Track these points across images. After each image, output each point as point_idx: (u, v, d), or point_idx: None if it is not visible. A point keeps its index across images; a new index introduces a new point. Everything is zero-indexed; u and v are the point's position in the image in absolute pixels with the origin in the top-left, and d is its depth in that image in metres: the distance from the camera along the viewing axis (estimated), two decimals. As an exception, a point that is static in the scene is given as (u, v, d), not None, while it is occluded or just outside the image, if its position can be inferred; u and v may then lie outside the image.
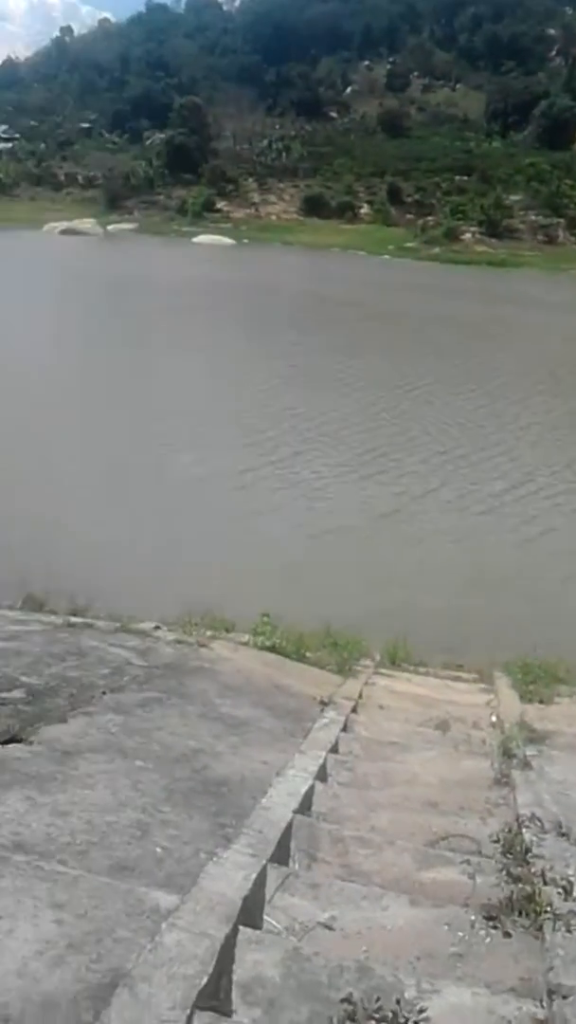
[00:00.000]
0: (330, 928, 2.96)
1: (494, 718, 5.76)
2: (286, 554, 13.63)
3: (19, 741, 3.95)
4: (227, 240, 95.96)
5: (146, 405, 22.84)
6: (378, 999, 2.48)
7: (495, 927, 2.95)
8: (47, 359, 28.46)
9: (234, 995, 2.50)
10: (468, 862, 3.44)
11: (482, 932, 2.94)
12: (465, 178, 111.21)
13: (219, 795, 3.81)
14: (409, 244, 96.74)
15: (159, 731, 4.49)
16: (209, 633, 7.31)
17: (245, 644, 7.08)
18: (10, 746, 3.88)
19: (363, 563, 13.55)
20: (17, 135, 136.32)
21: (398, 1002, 2.48)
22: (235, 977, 2.55)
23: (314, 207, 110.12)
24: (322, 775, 4.33)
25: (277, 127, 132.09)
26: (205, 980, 2.36)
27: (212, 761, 4.21)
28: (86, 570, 11.35)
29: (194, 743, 4.42)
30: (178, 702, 5.09)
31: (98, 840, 3.15)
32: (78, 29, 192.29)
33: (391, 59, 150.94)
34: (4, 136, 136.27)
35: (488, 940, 2.90)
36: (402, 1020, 2.43)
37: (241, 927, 2.70)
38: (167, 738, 4.41)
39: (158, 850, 3.17)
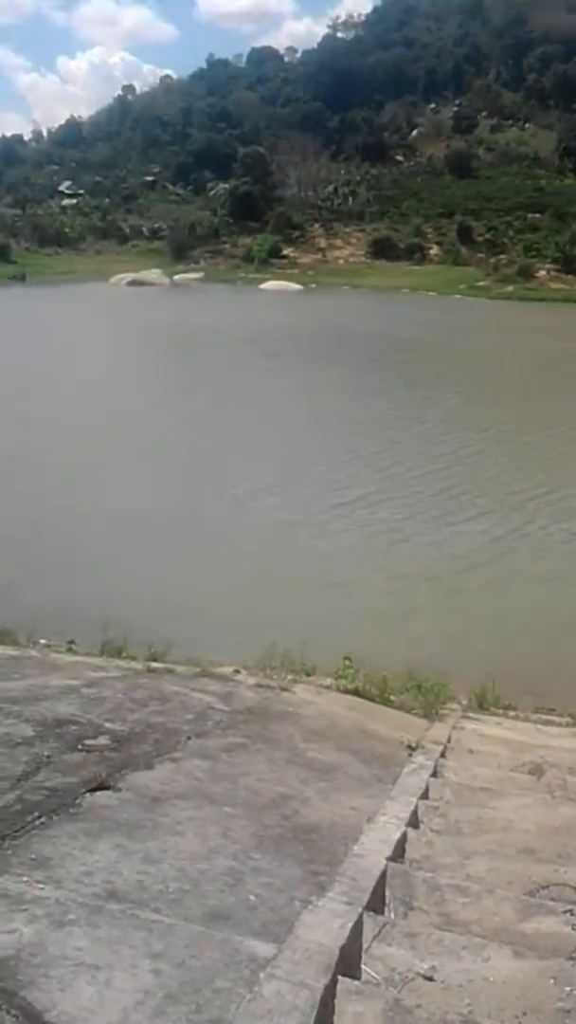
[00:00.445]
0: (431, 979, 2.88)
1: (588, 762, 5.61)
2: (365, 597, 13.53)
3: (107, 788, 3.95)
4: (294, 285, 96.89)
5: (221, 450, 23.00)
6: (485, 1055, 2.40)
7: (604, 980, 2.84)
8: (122, 407, 28.87)
9: (336, 1048, 2.44)
10: (572, 912, 3.33)
11: (590, 986, 2.83)
12: (537, 216, 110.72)
13: (310, 842, 3.76)
14: (481, 283, 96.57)
15: (246, 777, 4.46)
16: (290, 677, 7.28)
17: (327, 688, 7.03)
18: (98, 793, 3.88)
19: (444, 604, 13.39)
20: (81, 191, 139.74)
21: (507, 1058, 2.40)
22: (336, 1030, 2.49)
23: (382, 250, 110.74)
24: (414, 821, 4.25)
25: (342, 172, 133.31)
26: (307, 1033, 2.31)
27: (301, 807, 4.16)
28: (163, 616, 11.41)
29: (282, 789, 4.38)
30: (263, 747, 5.06)
31: (191, 888, 3.12)
32: (140, 87, 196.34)
33: (457, 101, 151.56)
34: (69, 192, 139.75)
35: (597, 995, 2.79)
36: (512, 1077, 2.35)
37: (340, 977, 2.65)
38: (254, 784, 4.37)
39: (252, 898, 3.13)
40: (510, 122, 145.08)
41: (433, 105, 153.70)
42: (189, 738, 4.94)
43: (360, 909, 3.10)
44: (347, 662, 7.67)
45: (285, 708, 6.12)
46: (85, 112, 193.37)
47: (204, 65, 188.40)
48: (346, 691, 6.93)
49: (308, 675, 7.57)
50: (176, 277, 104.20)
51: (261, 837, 3.71)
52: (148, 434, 24.77)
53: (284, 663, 7.68)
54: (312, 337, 49.76)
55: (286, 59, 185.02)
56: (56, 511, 17.01)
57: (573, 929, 3.23)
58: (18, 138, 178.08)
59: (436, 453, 23.45)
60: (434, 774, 5.17)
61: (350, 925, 2.94)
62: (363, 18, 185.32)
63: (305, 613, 12.28)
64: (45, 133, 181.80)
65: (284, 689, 6.69)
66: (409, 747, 5.68)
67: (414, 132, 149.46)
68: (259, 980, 2.52)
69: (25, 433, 23.79)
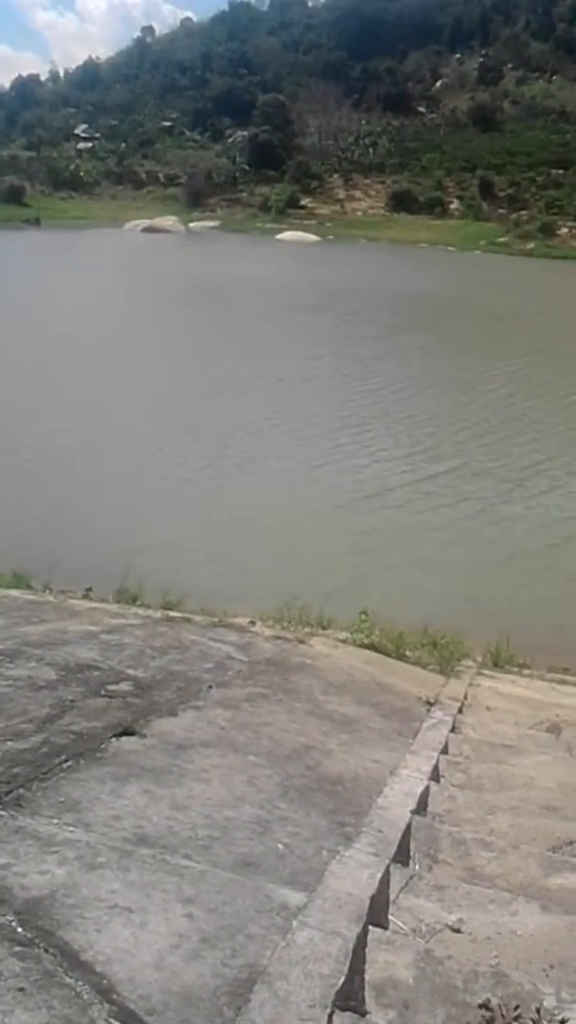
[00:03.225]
0: (458, 931, 2.89)
1: (607, 722, 5.61)
2: (382, 552, 13.52)
3: (132, 734, 3.96)
4: (312, 236, 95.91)
5: (235, 403, 22.89)
6: (517, 1007, 2.41)
7: (631, 937, 2.85)
8: (146, 358, 28.74)
9: (367, 995, 2.45)
10: (596, 869, 3.35)
11: (618, 942, 2.84)
12: (561, 172, 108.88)
13: (334, 793, 3.77)
14: (501, 239, 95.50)
15: (268, 727, 4.46)
16: (306, 630, 7.29)
17: (343, 642, 7.03)
18: (123, 739, 3.89)
19: (460, 561, 13.38)
20: (98, 134, 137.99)
21: (538, 1011, 2.41)
22: (367, 977, 2.50)
23: (402, 203, 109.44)
24: (435, 776, 4.26)
25: (364, 123, 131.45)
26: (342, 980, 2.32)
27: (324, 758, 4.16)
28: (177, 565, 11.44)
29: (304, 740, 4.38)
30: (284, 698, 5.06)
31: (220, 835, 3.13)
32: (159, 28, 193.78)
33: (483, 52, 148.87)
34: (85, 135, 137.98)
35: (625, 951, 2.80)
36: (543, 1029, 2.36)
37: (370, 927, 2.66)
38: (277, 734, 4.38)
39: (280, 847, 3.14)
40: (537, 74, 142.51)
41: (458, 56, 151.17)
42: (210, 687, 4.95)
43: (387, 861, 3.12)
44: (363, 616, 7.66)
45: (303, 660, 6.13)
46: (103, 53, 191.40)
47: (226, 7, 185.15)
48: (363, 645, 6.93)
49: (324, 628, 7.58)
50: (192, 225, 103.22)
51: (286, 787, 3.72)
52: (165, 389, 24.58)
53: (301, 616, 7.70)
54: (332, 297, 49.09)
55: (310, 4, 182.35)
56: (71, 460, 17.02)
57: (598, 886, 3.24)
58: (35, 78, 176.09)
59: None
60: (453, 729, 5.18)
61: (378, 876, 2.95)
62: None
63: (321, 567, 12.29)
64: (62, 74, 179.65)
65: (301, 641, 6.70)
66: (427, 702, 5.69)
67: (438, 83, 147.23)
68: (292, 928, 2.53)
69: (31, 383, 23.65)
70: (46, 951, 2.25)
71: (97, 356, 27.96)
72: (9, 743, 3.56)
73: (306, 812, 3.50)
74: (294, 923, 2.56)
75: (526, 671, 7.57)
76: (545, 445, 20.18)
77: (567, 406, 24.19)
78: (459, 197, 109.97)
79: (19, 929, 2.33)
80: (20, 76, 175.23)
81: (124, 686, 4.67)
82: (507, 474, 17.84)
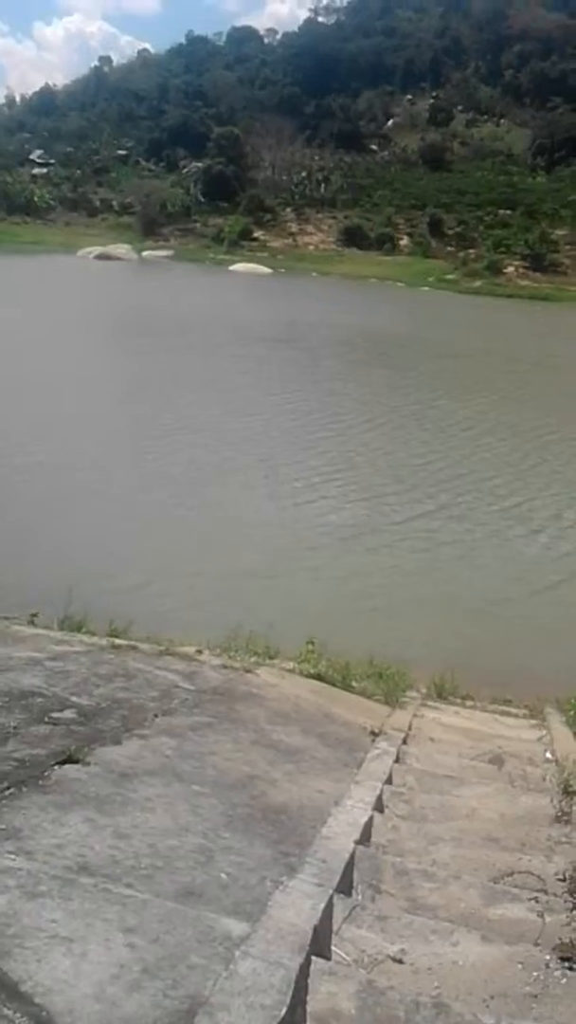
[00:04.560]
0: (400, 962, 2.90)
1: (548, 755, 5.66)
2: (327, 582, 13.56)
3: (75, 762, 3.92)
4: (264, 268, 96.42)
5: (180, 426, 22.84)
6: (457, 1038, 2.42)
7: (571, 968, 2.88)
8: (97, 387, 28.57)
9: (309, 1027, 2.45)
10: (536, 900, 3.37)
11: (557, 973, 2.87)
12: (509, 212, 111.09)
13: (279, 823, 3.77)
14: (449, 276, 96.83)
15: (213, 756, 4.45)
16: (253, 659, 7.28)
17: (290, 671, 7.04)
18: (67, 767, 3.85)
19: (403, 592, 13.45)
20: (52, 161, 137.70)
21: (478, 1042, 2.42)
22: (310, 1008, 2.50)
23: (353, 238, 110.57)
24: (379, 806, 4.27)
25: (316, 158, 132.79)
26: (284, 1011, 2.32)
27: (269, 788, 4.16)
28: (122, 593, 11.36)
29: (249, 769, 4.38)
30: (230, 727, 5.05)
31: (163, 864, 3.11)
32: (117, 59, 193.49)
33: (434, 94, 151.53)
34: (40, 161, 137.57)
35: (564, 981, 2.83)
36: (483, 1060, 2.37)
37: (313, 958, 2.66)
38: (222, 763, 4.36)
39: (223, 876, 3.13)
40: (485, 117, 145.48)
41: (410, 96, 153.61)
42: (156, 715, 4.92)
43: (331, 891, 3.12)
44: (310, 646, 7.69)
45: (249, 690, 6.12)
46: (60, 80, 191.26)
47: (183, 41, 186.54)
48: (309, 675, 6.95)
49: (271, 658, 7.58)
50: (145, 253, 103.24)
51: (230, 816, 3.71)
52: (117, 420, 24.46)
53: (248, 645, 7.69)
54: (288, 330, 49.15)
55: (266, 40, 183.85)
56: (15, 485, 16.85)
57: (538, 916, 3.26)
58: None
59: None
60: (397, 760, 5.20)
61: (321, 906, 2.95)
62: (345, 4, 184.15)
63: (270, 598, 12.28)
64: (18, 99, 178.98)
65: (248, 671, 6.69)
66: (372, 733, 5.71)
67: (390, 122, 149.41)
68: (234, 958, 2.52)
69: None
70: (-16, 982, 2.22)
71: (47, 385, 27.74)
72: (-50, 769, 3.51)
73: (250, 842, 3.49)
74: (236, 953, 2.55)
75: (469, 702, 7.64)
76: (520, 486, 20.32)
77: (538, 448, 24.46)
78: (409, 234, 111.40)
79: (-43, 959, 2.29)
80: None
81: (68, 714, 4.63)
82: (474, 514, 17.97)
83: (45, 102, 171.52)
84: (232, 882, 3.09)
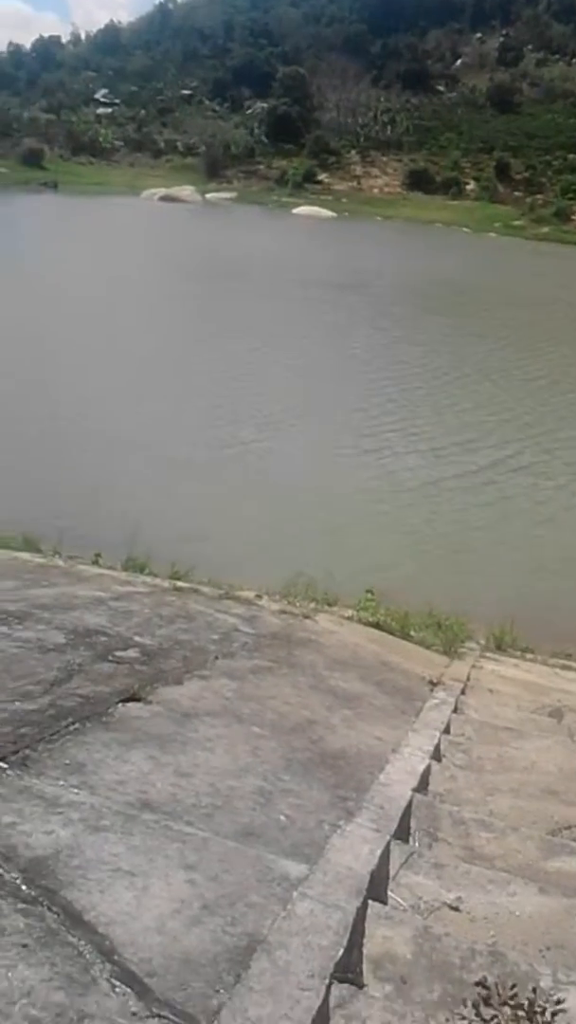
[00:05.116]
0: (457, 910, 2.91)
1: (609, 709, 5.63)
2: (390, 532, 13.51)
3: (138, 700, 3.97)
4: (327, 212, 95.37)
5: (246, 379, 22.77)
6: (513, 986, 2.42)
7: (629, 922, 2.87)
8: (165, 330, 28.56)
9: (365, 969, 2.47)
10: (595, 853, 3.36)
11: (615, 926, 2.86)
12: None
13: (336, 768, 3.79)
14: (516, 222, 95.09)
15: (273, 699, 4.48)
16: (312, 605, 7.30)
17: (349, 619, 7.05)
18: (130, 704, 3.90)
19: (467, 543, 13.37)
20: (117, 100, 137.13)
21: (534, 991, 2.42)
22: (365, 951, 2.52)
23: (418, 182, 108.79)
24: (437, 755, 4.28)
25: (382, 99, 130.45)
26: (341, 952, 2.34)
27: (327, 733, 4.18)
28: (185, 536, 11.44)
29: (307, 714, 4.40)
30: (288, 672, 5.08)
31: (223, 804, 3.15)
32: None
33: (504, 32, 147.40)
34: (104, 100, 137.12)
35: (622, 935, 2.82)
36: (539, 1009, 2.37)
37: (370, 902, 2.68)
38: (281, 707, 4.39)
39: (282, 818, 3.15)
40: (557, 56, 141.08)
41: (479, 34, 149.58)
42: (216, 657, 4.96)
43: (388, 837, 3.13)
44: (369, 595, 7.69)
45: (308, 636, 6.15)
46: (125, 17, 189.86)
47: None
48: (368, 623, 6.95)
49: (330, 605, 7.60)
50: (208, 195, 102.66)
51: (289, 759, 3.73)
52: (183, 364, 24.40)
53: (307, 591, 7.71)
54: (354, 276, 48.42)
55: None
56: (83, 427, 16.99)
57: (596, 870, 3.25)
58: (55, 40, 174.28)
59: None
60: (455, 710, 5.20)
61: (379, 851, 2.96)
62: None
63: (330, 545, 12.28)
64: (83, 36, 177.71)
65: (307, 617, 6.71)
66: (430, 682, 5.71)
67: (458, 62, 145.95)
68: (292, 899, 2.55)
69: (41, 351, 23.48)
70: (49, 910, 2.27)
71: (115, 326, 27.81)
72: (17, 704, 3.57)
73: (308, 785, 3.52)
74: (294, 894, 2.58)
75: (529, 655, 7.60)
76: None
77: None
78: (475, 178, 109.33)
79: (23, 887, 2.34)
80: (41, 37, 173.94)
81: (131, 653, 4.68)
82: (539, 467, 17.71)
83: (110, 40, 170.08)
84: (290, 824, 3.11)
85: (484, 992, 2.42)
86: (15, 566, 6.73)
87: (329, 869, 2.77)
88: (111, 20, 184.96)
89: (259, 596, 7.25)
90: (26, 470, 14.25)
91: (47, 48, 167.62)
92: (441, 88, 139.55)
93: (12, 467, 14.19)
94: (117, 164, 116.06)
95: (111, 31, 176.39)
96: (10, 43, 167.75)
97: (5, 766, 3.02)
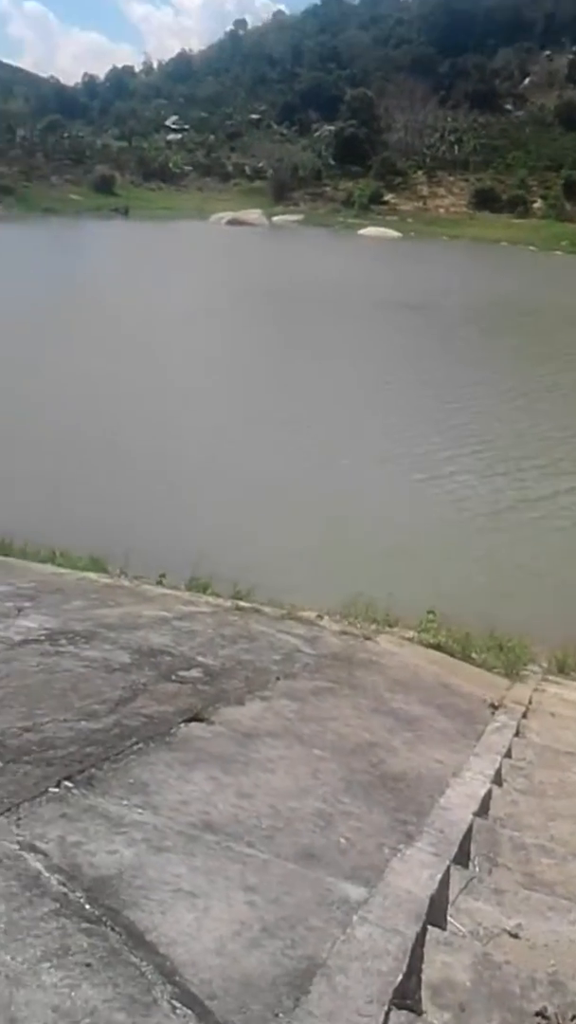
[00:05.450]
0: (517, 937, 2.89)
1: None
2: (451, 554, 13.44)
3: (201, 720, 4.02)
4: (393, 233, 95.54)
5: (317, 402, 22.82)
6: (574, 1017, 2.41)
7: None
8: (234, 350, 28.80)
9: (424, 995, 2.47)
10: None
11: None
12: None
13: (397, 791, 3.79)
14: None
15: (333, 721, 4.50)
16: (373, 626, 7.30)
17: (409, 640, 7.03)
18: (192, 724, 3.95)
19: (530, 565, 13.23)
20: (187, 126, 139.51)
21: (595, 1022, 2.40)
22: (424, 977, 2.52)
23: (484, 201, 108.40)
24: (498, 779, 4.25)
25: (449, 119, 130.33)
26: (400, 978, 2.34)
27: (387, 756, 4.18)
28: (246, 556, 11.49)
29: (368, 736, 4.41)
30: (349, 693, 5.09)
31: (283, 826, 3.17)
32: (252, 22, 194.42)
33: (574, 49, 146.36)
34: (174, 127, 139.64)
35: None
36: (599, 1041, 2.36)
37: (429, 927, 2.67)
38: (342, 728, 4.41)
39: (342, 841, 3.17)
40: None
41: (548, 52, 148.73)
42: (278, 678, 5.00)
43: (448, 861, 3.13)
44: (430, 616, 7.66)
45: (369, 657, 6.15)
46: (196, 46, 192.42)
47: (318, 2, 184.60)
48: (429, 645, 6.92)
49: (391, 626, 7.58)
50: (275, 218, 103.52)
51: (349, 781, 3.75)
52: (251, 383, 24.55)
53: (367, 612, 7.70)
54: (422, 296, 48.30)
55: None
56: (149, 448, 17.21)
57: None
58: (129, 70, 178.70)
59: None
60: (517, 734, 5.16)
61: (439, 876, 2.97)
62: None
63: (391, 567, 12.25)
64: (156, 65, 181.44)
65: (367, 638, 6.72)
66: (492, 705, 5.67)
67: (526, 80, 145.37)
68: (352, 923, 2.56)
69: (111, 372, 23.82)
70: (113, 929, 2.31)
71: (185, 349, 28.14)
72: (83, 723, 3.64)
73: (368, 808, 3.52)
74: (354, 918, 2.59)
75: (592, 680, 7.49)
76: None
77: None
78: (542, 197, 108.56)
79: (87, 906, 2.39)
80: (115, 67, 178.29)
81: (194, 672, 4.74)
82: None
83: (181, 68, 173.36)
84: (350, 847, 3.13)
85: (544, 1022, 2.41)
86: (83, 586, 6.85)
87: (389, 893, 2.78)
88: (183, 48, 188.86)
89: (320, 616, 7.27)
90: (95, 489, 14.47)
91: (120, 77, 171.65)
92: (509, 107, 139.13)
93: (83, 489, 14.42)
94: (186, 189, 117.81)
95: (183, 59, 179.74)
96: (84, 74, 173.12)
97: (71, 785, 3.08)
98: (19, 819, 2.79)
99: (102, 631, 5.09)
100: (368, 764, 4.00)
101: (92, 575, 7.65)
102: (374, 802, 3.60)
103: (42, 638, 4.83)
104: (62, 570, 7.93)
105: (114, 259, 57.32)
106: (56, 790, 3.03)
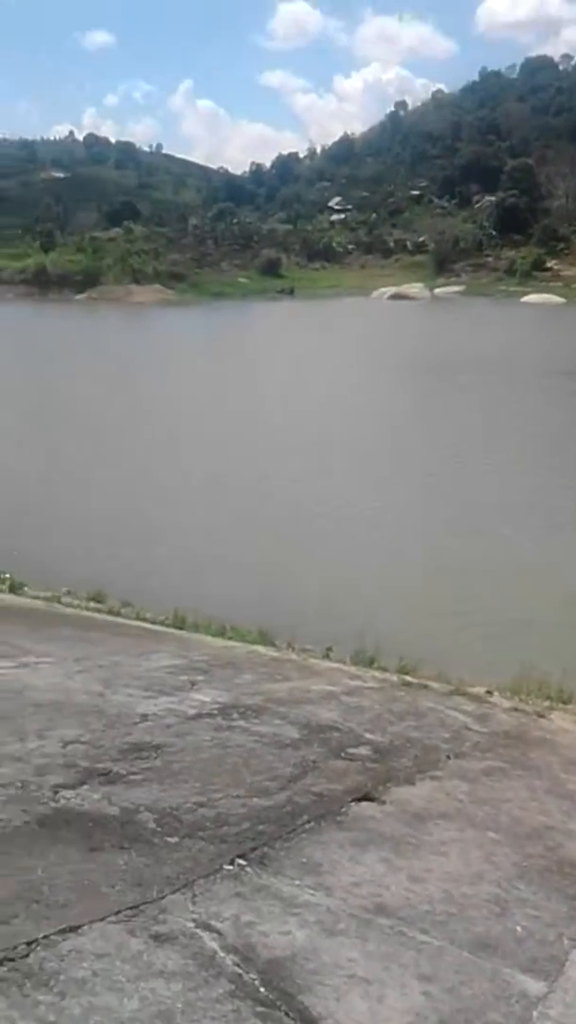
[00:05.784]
0: None
1: None
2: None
3: (371, 799, 3.99)
4: (556, 298, 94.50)
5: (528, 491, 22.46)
6: None
7: None
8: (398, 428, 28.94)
9: None
10: None
11: None
12: None
13: (574, 877, 3.64)
14: None
15: (507, 803, 4.37)
16: (546, 703, 7.08)
17: (585, 717, 6.78)
18: (363, 804, 3.92)
19: None
20: (350, 206, 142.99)
21: None
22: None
23: None
24: None
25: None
26: (584, 1080, 2.24)
27: (565, 840, 4.03)
28: (412, 630, 11.39)
29: (544, 819, 4.26)
30: (523, 774, 4.94)
31: (457, 912, 3.10)
32: (412, 102, 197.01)
33: None
34: (338, 208, 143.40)
35: None
36: None
37: (613, 1026, 2.55)
38: (516, 811, 4.28)
39: (518, 929, 3.07)
40: None
41: None
42: (448, 757, 4.91)
43: (633, 957, 2.98)
44: (607, 693, 7.38)
45: (543, 735, 5.96)
46: (358, 129, 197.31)
47: (476, 78, 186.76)
48: (606, 723, 6.65)
49: (564, 703, 7.33)
50: (437, 291, 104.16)
51: (525, 867, 3.63)
52: (408, 457, 24.57)
53: (540, 688, 7.49)
54: None
55: (561, 67, 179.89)
56: (317, 523, 17.38)
57: None
58: (293, 156, 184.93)
59: None
60: None
61: (623, 972, 2.83)
62: None
63: (561, 640, 11.90)
64: (319, 150, 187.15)
65: (540, 715, 6.51)
66: None
67: None
68: (532, 1019, 2.47)
69: (277, 447, 24.22)
70: (287, 1015, 2.31)
71: (342, 422, 28.46)
72: (255, 799, 3.67)
73: (546, 895, 3.40)
74: (534, 1013, 2.50)
75: None
76: None
77: None
78: None
79: (262, 989, 2.39)
80: (280, 154, 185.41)
81: (363, 750, 4.71)
82: None
83: (343, 150, 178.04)
84: (527, 936, 3.02)
85: None
86: (253, 660, 6.94)
87: (570, 987, 2.68)
88: (345, 132, 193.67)
89: (490, 692, 7.10)
90: (266, 564, 14.70)
91: (285, 164, 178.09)
92: None
93: (252, 563, 14.68)
94: (349, 266, 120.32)
95: (344, 142, 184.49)
96: (252, 163, 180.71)
97: (244, 863, 3.11)
98: (194, 896, 2.83)
99: (272, 706, 5.13)
100: (544, 848, 3.87)
101: (261, 648, 7.75)
102: (551, 889, 3.47)
103: (215, 712, 4.91)
104: (233, 643, 8.06)
105: (278, 337, 58.77)
106: (230, 868, 3.06)
